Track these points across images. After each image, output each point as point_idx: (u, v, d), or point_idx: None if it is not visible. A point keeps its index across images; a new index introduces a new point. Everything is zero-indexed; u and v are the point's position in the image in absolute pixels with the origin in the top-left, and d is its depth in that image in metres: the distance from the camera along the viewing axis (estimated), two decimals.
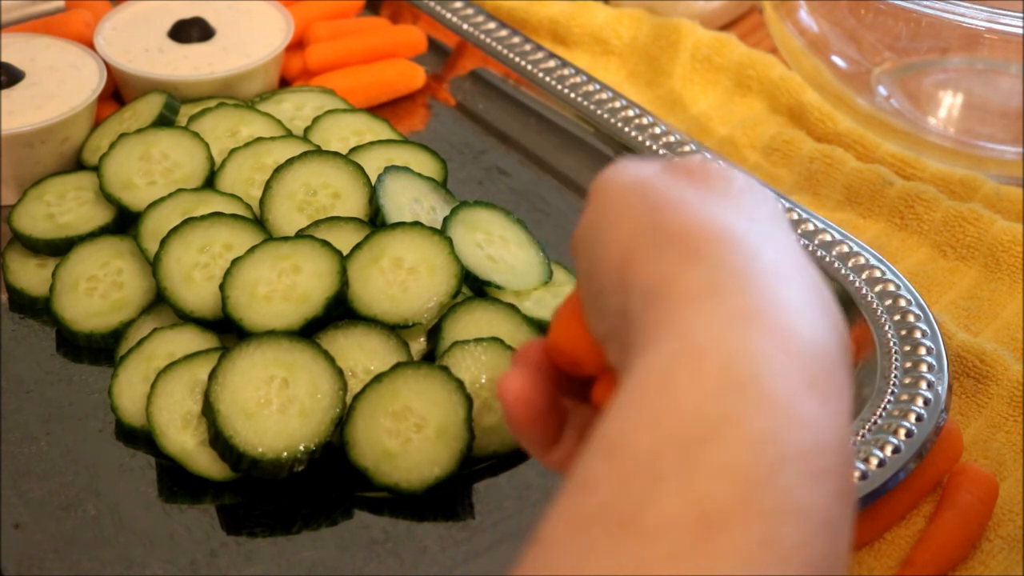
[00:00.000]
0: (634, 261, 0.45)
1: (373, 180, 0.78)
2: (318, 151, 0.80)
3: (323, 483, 0.67)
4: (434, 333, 0.72)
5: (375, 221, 0.77)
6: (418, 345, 0.73)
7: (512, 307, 0.73)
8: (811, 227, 0.80)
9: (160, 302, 0.74)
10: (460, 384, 0.67)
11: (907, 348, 0.71)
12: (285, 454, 0.65)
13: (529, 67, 0.96)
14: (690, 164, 0.48)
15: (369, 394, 0.67)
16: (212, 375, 0.66)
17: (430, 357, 0.72)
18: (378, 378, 0.67)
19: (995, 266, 0.83)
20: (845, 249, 0.78)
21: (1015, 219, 0.86)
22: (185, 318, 0.72)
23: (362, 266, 0.73)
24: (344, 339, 0.70)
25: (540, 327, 0.73)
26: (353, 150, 0.83)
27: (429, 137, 0.94)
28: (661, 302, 0.43)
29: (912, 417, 0.67)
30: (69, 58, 0.89)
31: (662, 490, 0.37)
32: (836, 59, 0.97)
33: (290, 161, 0.79)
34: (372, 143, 0.84)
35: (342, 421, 0.67)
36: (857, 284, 0.76)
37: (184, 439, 0.67)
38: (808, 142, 0.93)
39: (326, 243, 0.72)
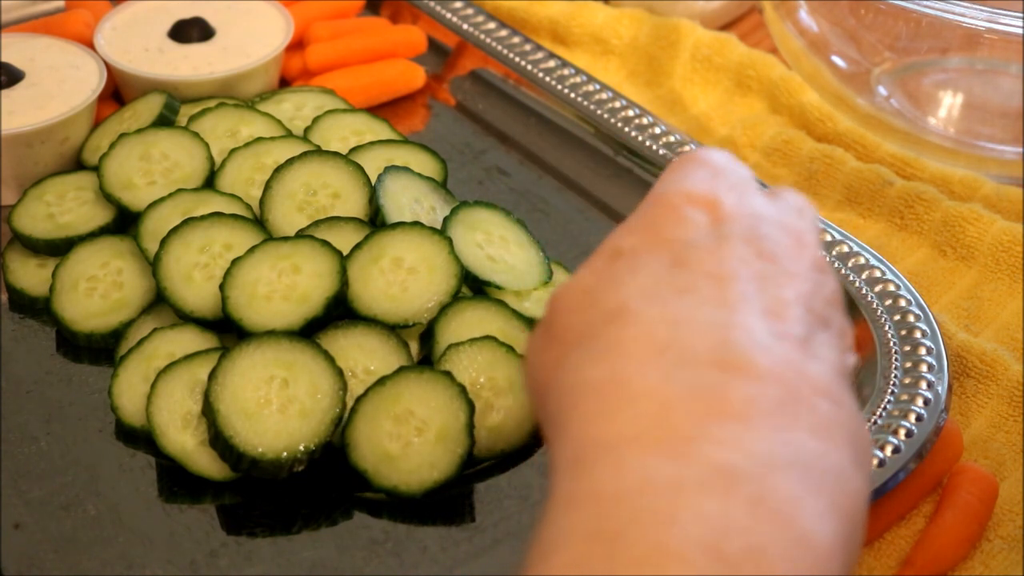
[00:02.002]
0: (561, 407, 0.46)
1: (373, 180, 0.78)
2: (318, 151, 0.80)
3: (323, 483, 0.67)
4: (427, 337, 0.72)
5: (375, 221, 0.77)
6: (416, 347, 0.73)
7: (501, 303, 0.73)
8: None
9: (160, 302, 0.74)
10: (462, 389, 0.67)
11: (907, 348, 0.71)
12: (285, 454, 0.65)
13: (529, 67, 0.96)
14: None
15: (371, 396, 0.67)
16: (212, 375, 0.66)
17: (424, 361, 0.72)
18: (381, 381, 0.67)
19: (995, 266, 0.83)
20: (845, 249, 0.78)
21: (1015, 219, 0.86)
22: (185, 318, 0.72)
23: (362, 266, 0.73)
24: (344, 339, 0.70)
25: (533, 323, 0.73)
26: (353, 150, 0.83)
27: (429, 137, 0.94)
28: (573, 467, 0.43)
29: (912, 417, 0.67)
30: (69, 58, 0.89)
31: None
32: (836, 59, 0.97)
33: (290, 161, 0.79)
34: (372, 143, 0.84)
35: (343, 422, 0.67)
36: (857, 284, 0.76)
37: (184, 439, 0.67)
38: (808, 142, 0.93)
39: (326, 243, 0.72)
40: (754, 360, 0.44)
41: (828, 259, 0.52)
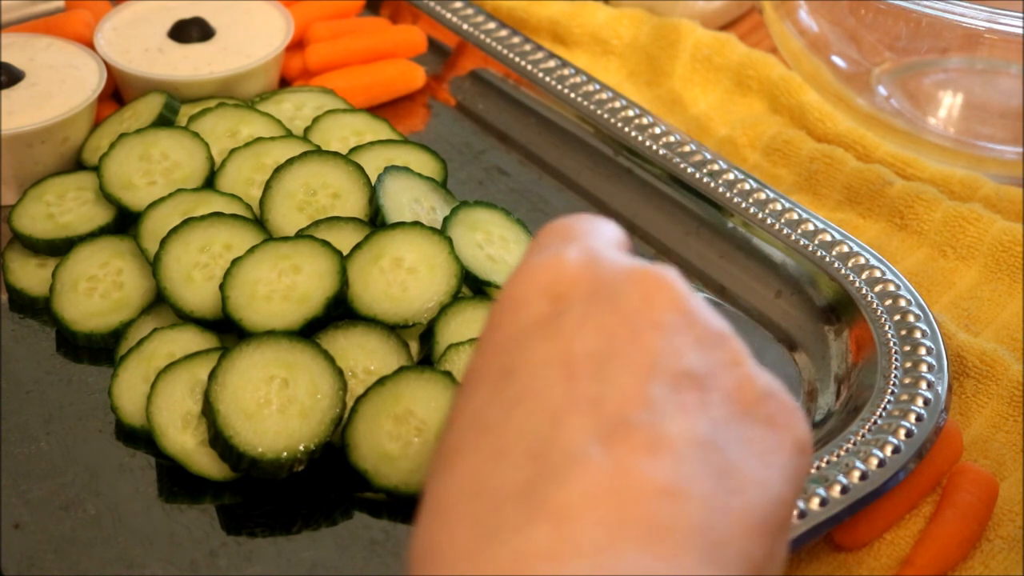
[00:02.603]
0: None
1: (373, 180, 0.78)
2: (318, 151, 0.80)
3: (323, 483, 0.67)
4: (426, 337, 0.72)
5: (375, 221, 0.77)
6: (416, 347, 0.73)
7: None
8: (811, 227, 0.80)
9: (160, 302, 0.74)
10: None
11: (907, 348, 0.71)
12: (285, 454, 0.65)
13: (529, 67, 0.96)
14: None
15: (371, 397, 0.67)
16: (212, 375, 0.66)
17: (425, 361, 0.72)
18: (381, 381, 0.67)
19: (995, 266, 0.83)
20: (845, 249, 0.78)
21: (1015, 219, 0.86)
22: (185, 318, 0.72)
23: (362, 266, 0.73)
24: (344, 339, 0.70)
25: None
26: (353, 150, 0.83)
27: (429, 137, 0.94)
28: None
29: (912, 417, 0.67)
30: (69, 58, 0.89)
31: None
32: (836, 59, 0.97)
33: (290, 161, 0.79)
34: (372, 143, 0.84)
35: (343, 422, 0.67)
36: (857, 284, 0.76)
37: (184, 439, 0.67)
38: (808, 142, 0.93)
39: (326, 243, 0.72)
40: (567, 487, 0.40)
41: (696, 297, 0.46)
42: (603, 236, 0.48)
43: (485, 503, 0.41)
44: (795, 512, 0.61)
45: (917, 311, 0.73)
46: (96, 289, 0.76)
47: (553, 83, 0.94)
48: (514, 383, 0.44)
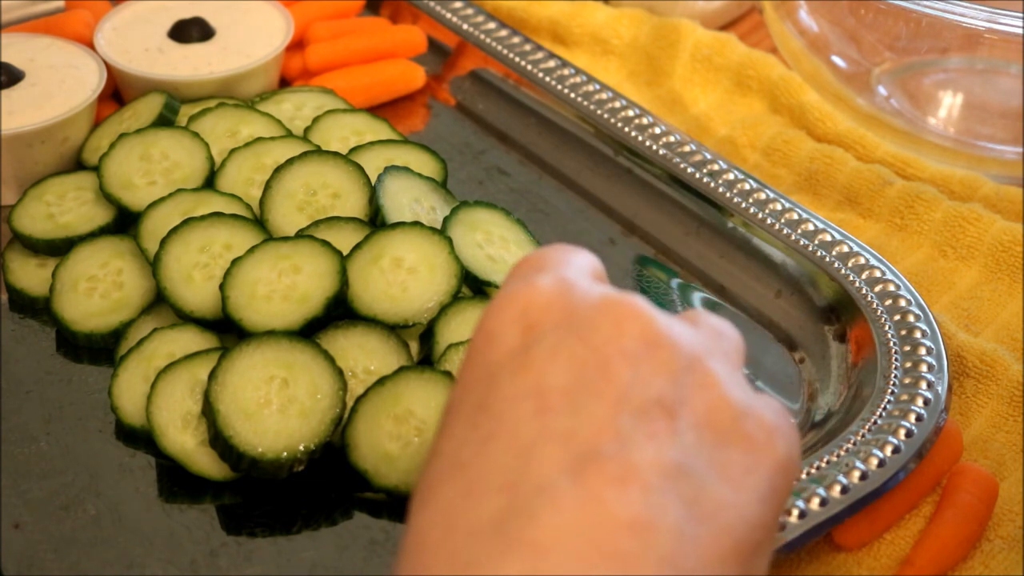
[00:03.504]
0: None
1: (373, 180, 0.78)
2: (318, 151, 0.80)
3: (323, 483, 0.67)
4: (427, 337, 0.72)
5: (375, 221, 0.77)
6: (416, 347, 0.73)
7: None
8: (811, 227, 0.80)
9: (160, 302, 0.74)
10: None
11: (907, 348, 0.71)
12: (285, 454, 0.65)
13: (529, 67, 0.96)
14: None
15: (371, 397, 0.67)
16: (212, 375, 0.67)
17: (425, 361, 0.72)
18: (381, 381, 0.67)
19: (995, 266, 0.83)
20: (845, 249, 0.78)
21: (1015, 219, 0.86)
22: (185, 318, 0.72)
23: (362, 266, 0.73)
24: (344, 339, 0.70)
25: None
26: (353, 150, 0.83)
27: (429, 137, 0.94)
28: None
29: (912, 417, 0.67)
30: (69, 58, 0.89)
31: None
32: (836, 59, 0.97)
33: (290, 161, 0.79)
34: (372, 143, 0.84)
35: (343, 422, 0.67)
36: (857, 284, 0.76)
37: (184, 439, 0.67)
38: (808, 142, 0.93)
39: (326, 243, 0.72)
40: (539, 520, 0.41)
41: (668, 322, 0.46)
42: (577, 265, 0.49)
43: (460, 538, 0.42)
44: (794, 515, 0.61)
45: (917, 311, 0.73)
46: (96, 289, 0.76)
47: (553, 83, 0.94)
48: (487, 419, 0.44)
